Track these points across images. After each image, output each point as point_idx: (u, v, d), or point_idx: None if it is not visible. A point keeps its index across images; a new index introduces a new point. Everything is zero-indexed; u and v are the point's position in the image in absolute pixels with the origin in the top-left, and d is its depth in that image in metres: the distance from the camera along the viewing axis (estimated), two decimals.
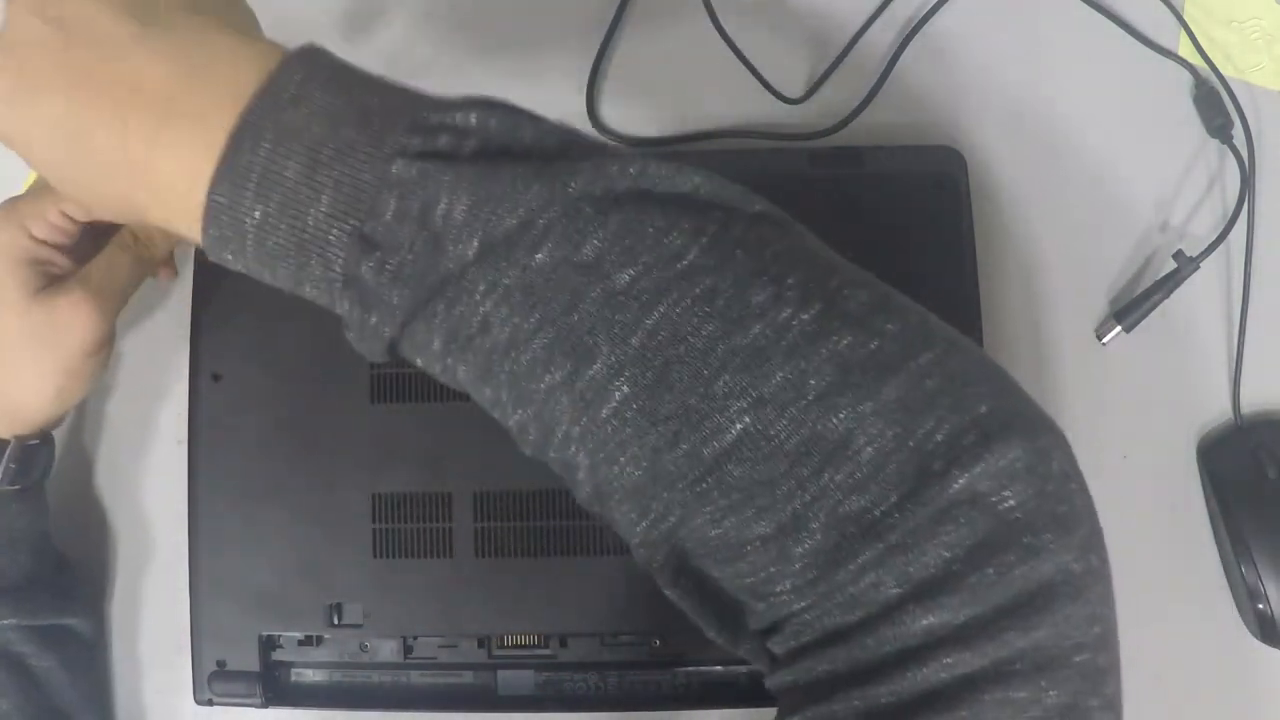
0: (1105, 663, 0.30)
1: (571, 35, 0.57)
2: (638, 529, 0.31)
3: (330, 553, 0.50)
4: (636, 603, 0.50)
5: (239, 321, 0.52)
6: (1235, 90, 0.56)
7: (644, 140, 0.56)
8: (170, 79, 0.31)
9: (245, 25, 0.35)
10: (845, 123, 0.56)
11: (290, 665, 0.51)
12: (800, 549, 0.29)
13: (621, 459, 0.30)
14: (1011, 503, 0.28)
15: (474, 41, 0.58)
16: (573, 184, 0.29)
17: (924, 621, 0.28)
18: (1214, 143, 0.56)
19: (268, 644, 0.50)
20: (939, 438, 0.28)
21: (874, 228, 0.52)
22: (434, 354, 0.31)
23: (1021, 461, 0.28)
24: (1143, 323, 0.54)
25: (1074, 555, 0.29)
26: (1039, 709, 0.28)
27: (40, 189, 0.45)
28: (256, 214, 0.30)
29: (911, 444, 0.28)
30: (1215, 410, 0.55)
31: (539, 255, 0.29)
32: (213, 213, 0.31)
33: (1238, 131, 0.55)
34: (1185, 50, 0.57)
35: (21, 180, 0.48)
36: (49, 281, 0.44)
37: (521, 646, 0.51)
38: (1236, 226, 0.54)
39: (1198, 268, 0.53)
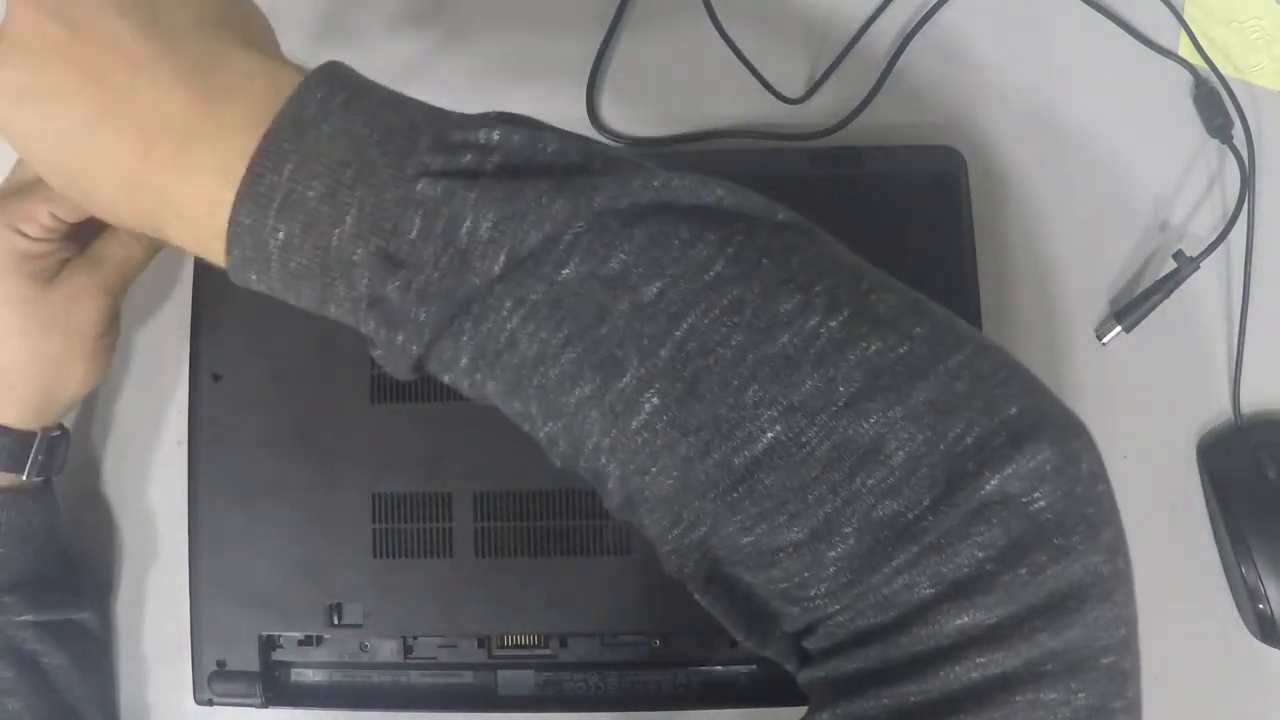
0: (1129, 665, 0.30)
1: (571, 35, 0.57)
2: (669, 537, 0.31)
3: (330, 553, 0.50)
4: (636, 603, 0.50)
5: (239, 321, 0.52)
6: (1235, 90, 0.56)
7: (644, 140, 0.56)
8: (192, 102, 0.31)
9: (263, 40, 0.35)
10: (845, 123, 0.56)
11: (290, 665, 0.51)
12: (833, 553, 0.29)
13: (652, 469, 0.30)
14: (1042, 504, 0.28)
15: (474, 42, 0.58)
16: (597, 198, 0.29)
17: (958, 621, 0.28)
18: (1214, 143, 0.56)
19: (268, 644, 0.50)
20: (969, 440, 0.28)
21: (874, 228, 0.52)
22: (462, 370, 0.31)
23: (1051, 463, 0.29)
24: (1143, 323, 0.54)
25: (1103, 557, 0.29)
26: (1068, 710, 0.28)
27: (25, 187, 0.45)
28: (280, 235, 0.30)
29: (943, 447, 0.28)
30: (1215, 410, 0.55)
31: (565, 270, 0.29)
32: (236, 235, 0.31)
33: (1238, 131, 0.55)
34: (1185, 50, 0.57)
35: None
36: (55, 272, 0.45)
37: (521, 646, 0.51)
38: (1236, 226, 0.54)
39: (1198, 268, 0.53)
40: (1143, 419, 0.55)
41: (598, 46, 0.57)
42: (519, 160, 0.30)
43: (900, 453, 0.28)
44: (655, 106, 0.57)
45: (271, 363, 0.51)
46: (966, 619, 0.28)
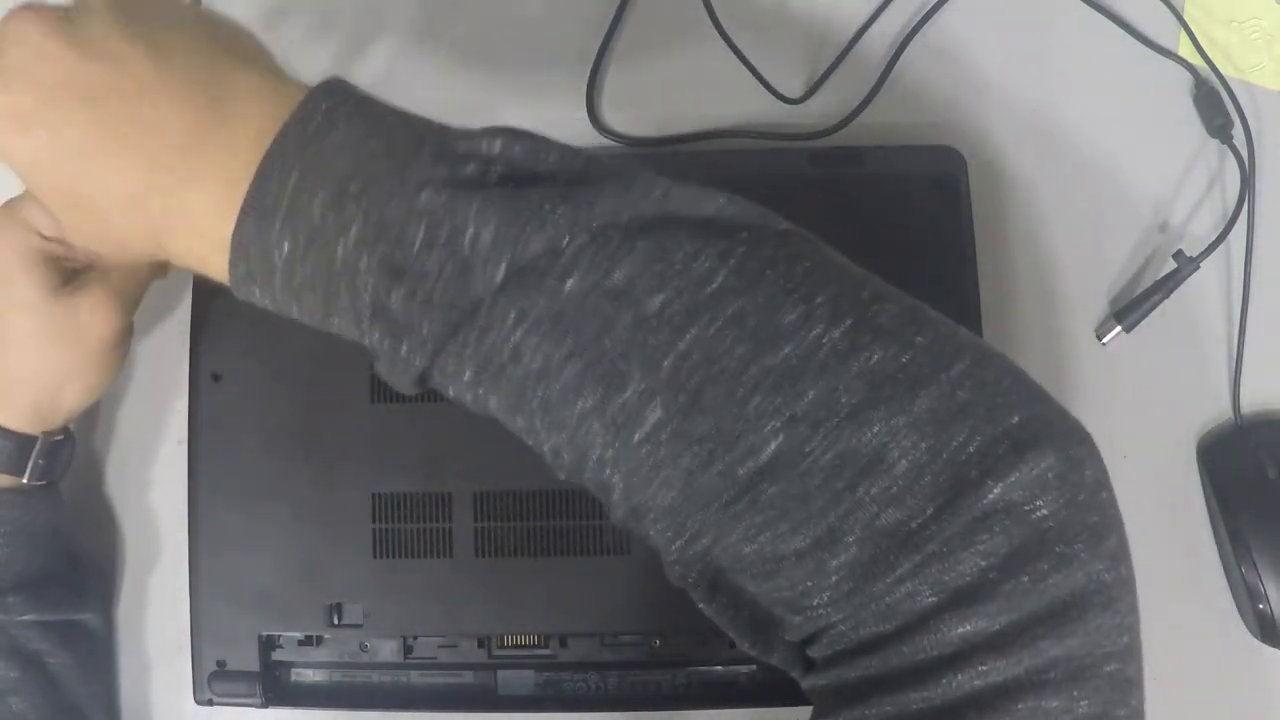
0: (1133, 673, 0.30)
1: (571, 36, 0.57)
2: (673, 547, 0.31)
3: (330, 553, 0.50)
4: (636, 603, 0.50)
5: (239, 321, 0.52)
6: (1235, 90, 0.56)
7: (644, 140, 0.56)
8: (196, 118, 0.31)
9: (261, 58, 0.35)
10: (845, 123, 0.56)
11: (290, 665, 0.51)
12: (836, 562, 0.29)
13: (656, 481, 0.30)
14: (1044, 511, 0.28)
15: (474, 42, 0.58)
16: (598, 208, 0.29)
17: (960, 629, 0.28)
18: (1214, 143, 0.56)
19: (268, 644, 0.50)
20: (972, 449, 0.28)
21: (874, 228, 0.52)
22: (465, 384, 0.31)
23: (1054, 471, 0.29)
24: (1143, 323, 0.54)
25: (1105, 564, 0.29)
26: (1071, 718, 0.28)
27: None
28: (285, 247, 0.30)
29: (945, 456, 0.28)
30: (1215, 410, 0.55)
31: (569, 283, 0.29)
32: (240, 247, 0.31)
33: (1238, 131, 0.55)
34: (1185, 50, 0.57)
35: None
36: (68, 277, 0.45)
37: (521, 646, 0.51)
38: (1236, 226, 0.54)
39: (1198, 268, 0.53)
40: (1143, 419, 0.55)
41: (598, 46, 0.57)
42: (521, 171, 0.30)
43: (903, 462, 0.28)
44: (655, 107, 0.57)
45: (271, 363, 0.51)
46: (969, 627, 0.28)
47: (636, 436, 0.30)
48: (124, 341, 0.47)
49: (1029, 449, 0.28)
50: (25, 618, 0.48)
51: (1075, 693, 0.28)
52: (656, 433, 0.29)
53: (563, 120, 0.57)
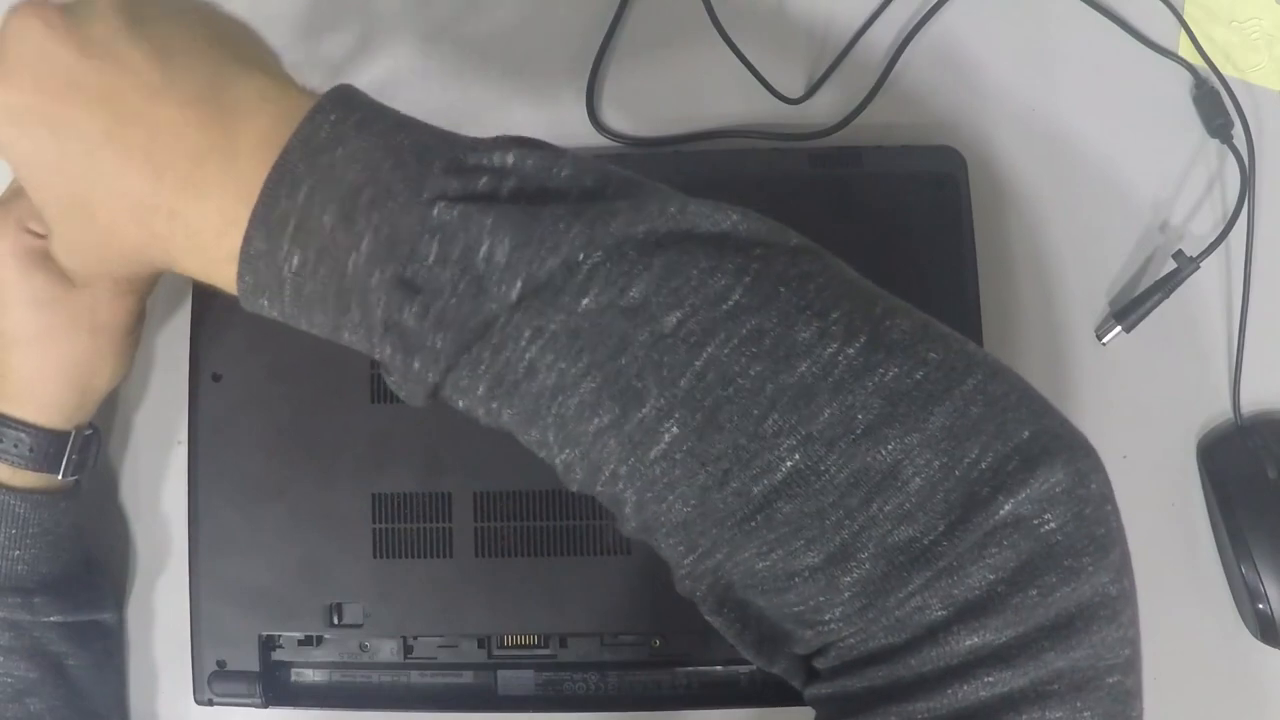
0: (1133, 685, 0.30)
1: (571, 36, 0.57)
2: (685, 562, 0.31)
3: (330, 553, 0.50)
4: (636, 603, 0.50)
5: (239, 321, 0.51)
6: (1235, 90, 0.56)
7: (644, 140, 0.56)
8: (205, 125, 0.31)
9: (270, 63, 0.35)
10: (845, 123, 0.56)
11: (290, 665, 0.51)
12: (849, 578, 0.29)
13: (670, 497, 0.30)
14: (1052, 525, 0.29)
15: (474, 42, 0.58)
16: (613, 225, 0.29)
17: (968, 642, 0.29)
18: (1214, 143, 0.56)
19: (268, 644, 0.50)
20: (984, 465, 0.29)
21: (874, 228, 0.52)
22: (478, 399, 0.31)
23: (1062, 485, 0.29)
24: (1143, 323, 0.54)
25: (1110, 577, 0.29)
26: None
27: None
28: (294, 261, 0.30)
29: (958, 473, 0.29)
30: (1215, 410, 0.55)
31: (585, 300, 0.29)
32: (248, 260, 0.31)
33: (1238, 131, 0.55)
34: (1185, 50, 0.57)
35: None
36: None
37: (521, 646, 0.51)
38: (1236, 226, 0.54)
39: (1198, 268, 0.53)
40: (1143, 419, 0.55)
41: (598, 47, 0.57)
42: (534, 185, 0.30)
43: (916, 479, 0.28)
44: (655, 107, 0.57)
45: (271, 363, 0.51)
46: (976, 639, 0.29)
47: (652, 454, 0.30)
48: (139, 326, 0.47)
49: (1039, 464, 0.29)
50: (50, 619, 0.48)
51: (1078, 704, 0.29)
52: (672, 450, 0.29)
53: (563, 120, 0.57)
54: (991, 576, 0.28)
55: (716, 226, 0.30)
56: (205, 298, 0.52)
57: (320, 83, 0.34)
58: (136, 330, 0.47)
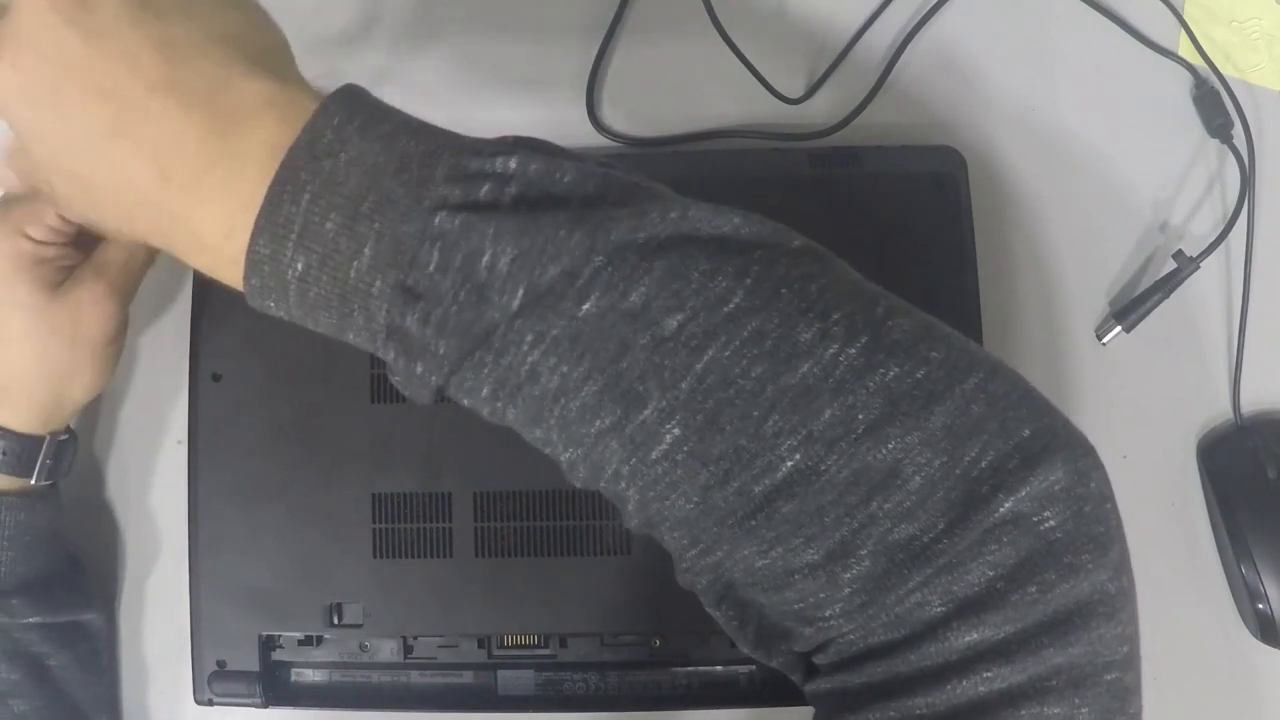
0: (1131, 682, 0.30)
1: (571, 36, 0.57)
2: (686, 556, 0.32)
3: (330, 553, 0.50)
4: (636, 603, 0.50)
5: (239, 321, 0.52)
6: (1235, 90, 0.56)
7: (644, 141, 0.56)
8: (207, 129, 0.31)
9: (278, 58, 0.34)
10: (845, 123, 0.56)
11: (290, 665, 0.51)
12: (849, 575, 0.29)
13: (672, 496, 0.30)
14: (1052, 523, 0.29)
15: (474, 42, 0.58)
16: (615, 231, 0.29)
17: (968, 638, 0.29)
18: (1214, 143, 0.56)
19: (268, 644, 0.50)
20: (984, 464, 0.29)
21: (874, 228, 0.52)
22: (482, 399, 0.31)
23: (1061, 484, 0.29)
24: (1143, 323, 0.54)
25: (1109, 575, 0.30)
26: None
27: (31, 191, 0.45)
28: (299, 266, 0.30)
29: (958, 471, 0.29)
30: (1215, 410, 0.55)
31: (586, 305, 0.29)
32: (254, 264, 0.31)
33: (1238, 131, 0.55)
34: (1185, 50, 0.57)
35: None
36: (62, 274, 0.45)
37: (521, 646, 0.51)
38: (1236, 226, 0.54)
39: (1198, 268, 0.53)
40: (1143, 419, 0.55)
41: (597, 47, 0.57)
42: (536, 191, 0.30)
43: (917, 477, 0.29)
44: (655, 107, 0.57)
45: (271, 363, 0.51)
46: (976, 635, 0.29)
47: (653, 454, 0.30)
48: (119, 336, 0.47)
49: (1039, 462, 0.29)
50: (29, 620, 0.48)
51: (1076, 700, 0.29)
52: (673, 451, 0.30)
53: (563, 120, 0.57)
54: (991, 573, 0.29)
55: (718, 229, 0.30)
56: (205, 298, 0.52)
57: (318, 77, 0.34)
58: (118, 340, 0.47)
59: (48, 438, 0.47)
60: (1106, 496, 0.30)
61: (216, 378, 0.51)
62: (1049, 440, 0.29)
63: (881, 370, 0.29)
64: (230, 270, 0.32)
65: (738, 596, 0.32)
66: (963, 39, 0.57)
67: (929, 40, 0.57)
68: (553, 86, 0.57)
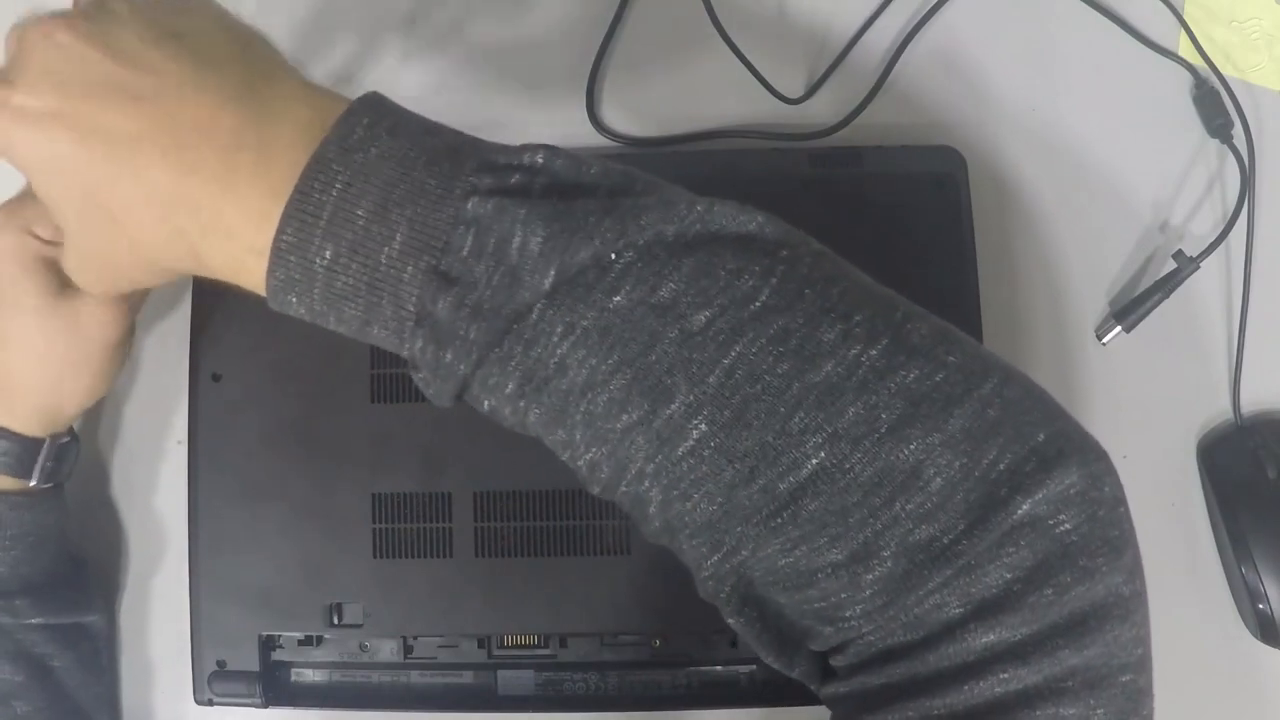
0: (1145, 684, 0.31)
1: (571, 36, 0.57)
2: (708, 562, 0.32)
3: (330, 553, 0.50)
4: (636, 603, 0.50)
5: (239, 321, 0.52)
6: (1235, 90, 0.56)
7: (644, 140, 0.56)
8: (240, 122, 0.31)
9: (287, 68, 0.35)
10: (845, 123, 0.56)
11: (290, 665, 0.51)
12: (871, 575, 0.30)
13: (696, 495, 0.30)
14: (1067, 526, 0.29)
15: (474, 42, 0.58)
16: (644, 220, 0.30)
17: (985, 639, 0.29)
18: (1214, 143, 0.56)
19: (268, 644, 0.50)
20: (1002, 466, 0.29)
21: (874, 228, 0.52)
22: (506, 396, 0.31)
23: (1076, 487, 0.29)
24: (1143, 323, 0.54)
25: (1124, 577, 0.30)
26: None
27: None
28: (327, 254, 0.30)
29: (977, 474, 0.29)
30: (1215, 410, 0.55)
31: (617, 297, 0.29)
32: (279, 254, 0.31)
33: (1238, 131, 0.55)
34: (1185, 50, 0.57)
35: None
36: (69, 278, 0.44)
37: (521, 646, 0.51)
38: (1236, 226, 0.54)
39: (1198, 268, 0.53)
40: (1143, 419, 0.55)
41: (598, 47, 0.57)
42: (564, 181, 0.31)
43: (938, 479, 0.29)
44: (655, 107, 0.57)
45: (271, 363, 0.51)
46: (993, 637, 0.29)
47: (680, 450, 0.30)
48: (126, 341, 0.47)
49: (1055, 466, 0.29)
50: (32, 621, 0.48)
51: (1092, 701, 0.29)
52: (700, 447, 0.30)
53: (563, 120, 0.57)
54: (1008, 575, 0.29)
55: (742, 228, 0.31)
56: (205, 298, 0.52)
57: (319, 79, 0.34)
58: (123, 346, 0.47)
59: (48, 440, 0.47)
60: (1120, 500, 0.31)
61: (216, 378, 0.51)
62: (1063, 444, 0.30)
63: (902, 372, 0.29)
64: (254, 265, 0.32)
65: (758, 598, 0.32)
66: (963, 39, 0.57)
67: (929, 40, 0.57)
68: (553, 86, 0.57)
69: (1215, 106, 0.56)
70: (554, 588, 0.50)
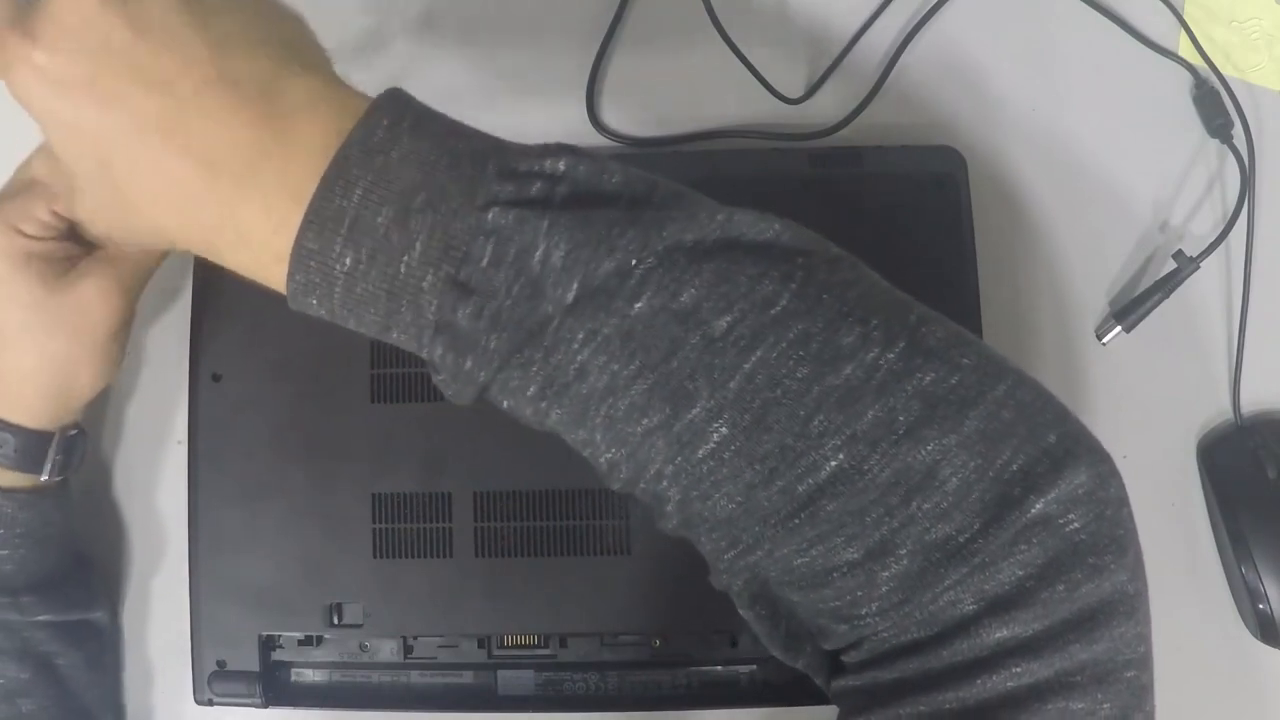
0: (1148, 680, 0.31)
1: (571, 36, 0.57)
2: (725, 557, 0.32)
3: (330, 553, 0.50)
4: (636, 603, 0.50)
5: (239, 321, 0.52)
6: (1235, 90, 0.56)
7: (644, 141, 0.56)
8: (260, 123, 0.31)
9: (320, 63, 0.35)
10: (845, 123, 0.56)
11: (290, 665, 0.51)
12: (887, 574, 0.30)
13: (715, 495, 0.31)
14: (1076, 525, 0.30)
15: (474, 42, 0.58)
16: (665, 231, 0.30)
17: (998, 635, 0.30)
18: (1214, 143, 0.56)
19: (268, 644, 0.50)
20: (1015, 467, 0.30)
21: (874, 228, 0.52)
22: (527, 399, 0.31)
23: (1084, 488, 0.30)
24: (1143, 323, 0.54)
25: (1128, 576, 0.31)
26: None
27: (24, 187, 0.44)
28: (347, 260, 0.30)
29: (992, 474, 0.30)
30: (1215, 410, 0.55)
31: (638, 304, 0.30)
32: (299, 259, 0.31)
33: (1238, 131, 0.55)
34: (1185, 50, 0.57)
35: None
36: (64, 268, 0.44)
37: (521, 646, 0.51)
38: (1236, 226, 0.54)
39: (1198, 268, 0.53)
40: (1143, 419, 0.55)
41: (598, 47, 0.57)
42: (586, 190, 0.31)
43: (954, 479, 0.29)
44: (655, 107, 0.57)
45: (271, 363, 0.51)
46: (1006, 632, 0.30)
47: (700, 453, 0.30)
48: (127, 328, 0.47)
49: (1065, 467, 0.30)
50: (39, 618, 0.47)
51: (1099, 695, 0.30)
52: (720, 450, 0.30)
53: (563, 120, 0.56)
54: (1021, 573, 0.30)
55: (761, 235, 0.31)
56: (205, 298, 0.52)
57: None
58: (123, 334, 0.47)
59: (57, 433, 0.47)
60: (1124, 501, 0.31)
61: (216, 378, 0.51)
62: (1072, 446, 0.30)
63: (919, 375, 0.30)
64: (273, 267, 0.31)
65: (771, 595, 0.33)
66: (963, 39, 0.57)
67: (929, 40, 0.57)
68: (553, 86, 0.57)
69: (1215, 106, 0.56)
70: (554, 588, 0.50)
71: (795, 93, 0.57)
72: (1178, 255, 0.54)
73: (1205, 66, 0.56)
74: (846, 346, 0.30)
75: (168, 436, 0.55)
